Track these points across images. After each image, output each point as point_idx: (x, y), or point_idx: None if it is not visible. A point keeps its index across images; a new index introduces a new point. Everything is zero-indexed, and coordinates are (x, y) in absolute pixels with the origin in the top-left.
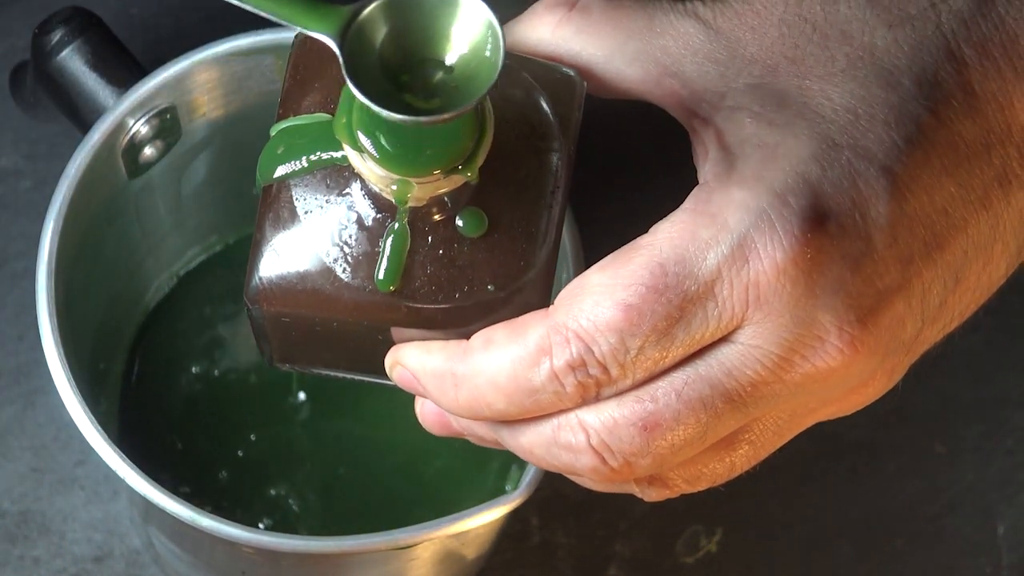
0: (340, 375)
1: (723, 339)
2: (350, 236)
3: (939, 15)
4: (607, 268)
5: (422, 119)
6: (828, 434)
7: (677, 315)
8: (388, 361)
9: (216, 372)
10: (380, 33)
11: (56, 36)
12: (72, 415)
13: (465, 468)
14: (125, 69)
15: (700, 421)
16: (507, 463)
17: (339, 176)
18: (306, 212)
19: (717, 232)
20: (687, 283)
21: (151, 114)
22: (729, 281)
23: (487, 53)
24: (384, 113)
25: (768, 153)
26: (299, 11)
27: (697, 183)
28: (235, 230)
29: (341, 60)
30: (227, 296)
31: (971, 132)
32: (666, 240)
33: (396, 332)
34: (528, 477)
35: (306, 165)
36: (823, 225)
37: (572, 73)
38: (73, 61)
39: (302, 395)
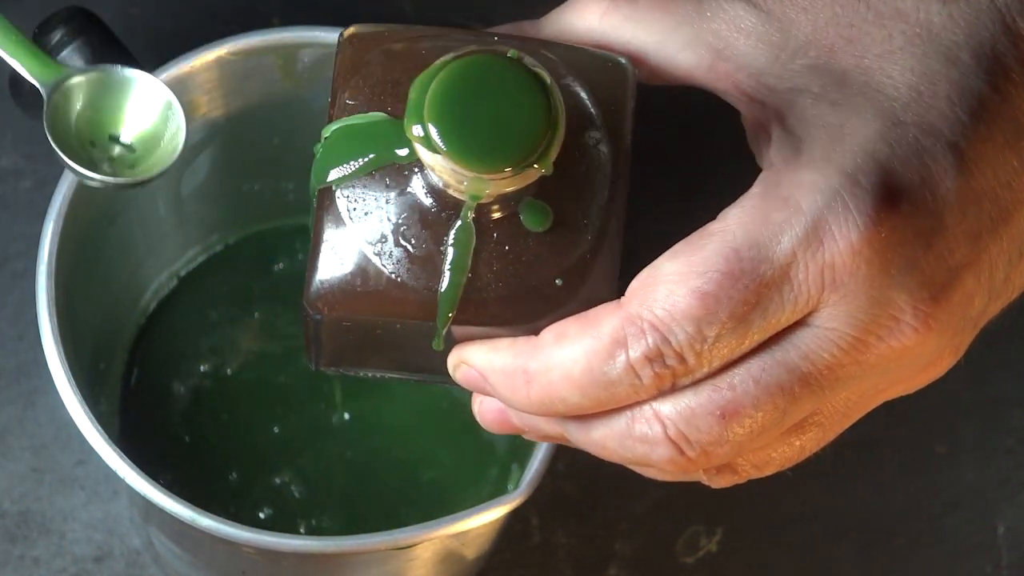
0: (391, 375)
1: (799, 323)
2: (413, 235)
3: None
4: (679, 256)
5: (96, 177)
6: None
7: (754, 300)
8: (452, 361)
9: (216, 372)
10: (78, 101)
11: (56, 36)
12: (72, 415)
13: (466, 468)
14: None
15: (778, 407)
16: (507, 463)
17: (398, 175)
18: (366, 213)
19: (790, 215)
20: (762, 267)
21: None
22: (804, 264)
23: (167, 130)
24: (70, 165)
25: (834, 133)
26: (25, 55)
27: (752, 172)
28: (235, 230)
29: (46, 108)
30: (227, 296)
31: None
32: (738, 225)
33: (459, 331)
34: (528, 477)
35: (364, 165)
36: (895, 204)
37: (623, 61)
38: (73, 61)
39: (302, 394)
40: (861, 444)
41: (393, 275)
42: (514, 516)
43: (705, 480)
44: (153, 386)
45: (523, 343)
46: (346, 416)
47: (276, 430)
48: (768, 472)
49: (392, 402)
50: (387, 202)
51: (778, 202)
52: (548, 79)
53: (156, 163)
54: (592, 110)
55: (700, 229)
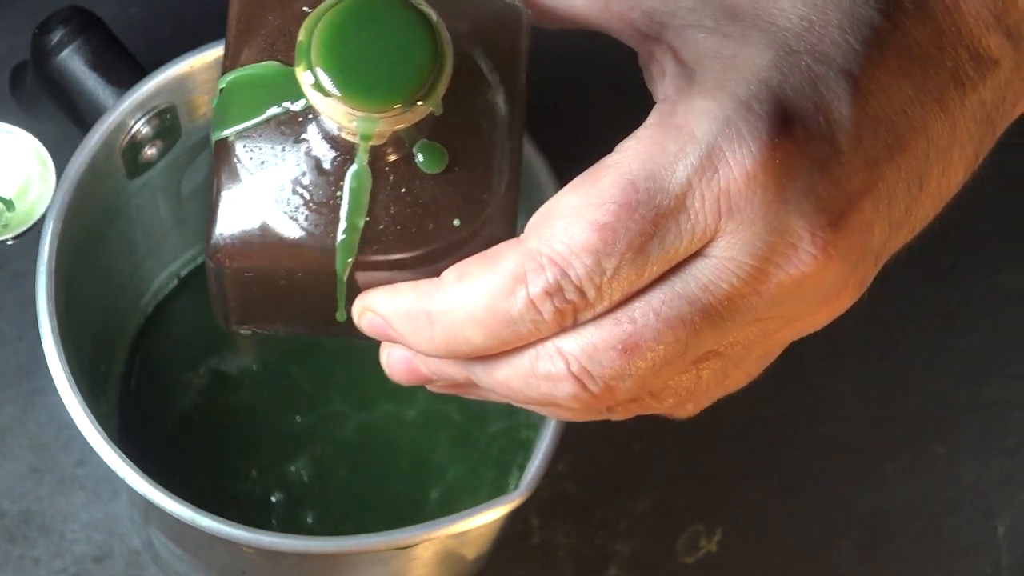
0: (303, 333)
1: (697, 254)
2: (309, 182)
3: None
4: (577, 189)
5: None
6: (828, 434)
7: (651, 231)
8: (356, 309)
9: (216, 372)
10: None
11: (56, 36)
12: (72, 415)
13: (465, 468)
14: (125, 69)
15: (679, 339)
16: (507, 464)
17: (293, 123)
18: (262, 163)
19: (684, 143)
20: (659, 197)
21: (151, 114)
22: (700, 192)
23: (38, 180)
24: None
25: (727, 63)
26: None
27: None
28: None
29: None
30: None
31: (923, 35)
32: (634, 156)
33: (362, 277)
34: (528, 477)
35: (262, 115)
36: (789, 129)
37: (516, 3)
38: (73, 61)
39: (302, 395)
40: (861, 444)
41: (292, 223)
42: (514, 516)
43: (607, 415)
44: (153, 386)
45: (425, 285)
46: (347, 417)
47: (276, 431)
48: (666, 403)
49: (394, 402)
50: (283, 150)
51: (672, 131)
52: (434, 16)
53: (29, 214)
54: (485, 51)
55: (598, 162)
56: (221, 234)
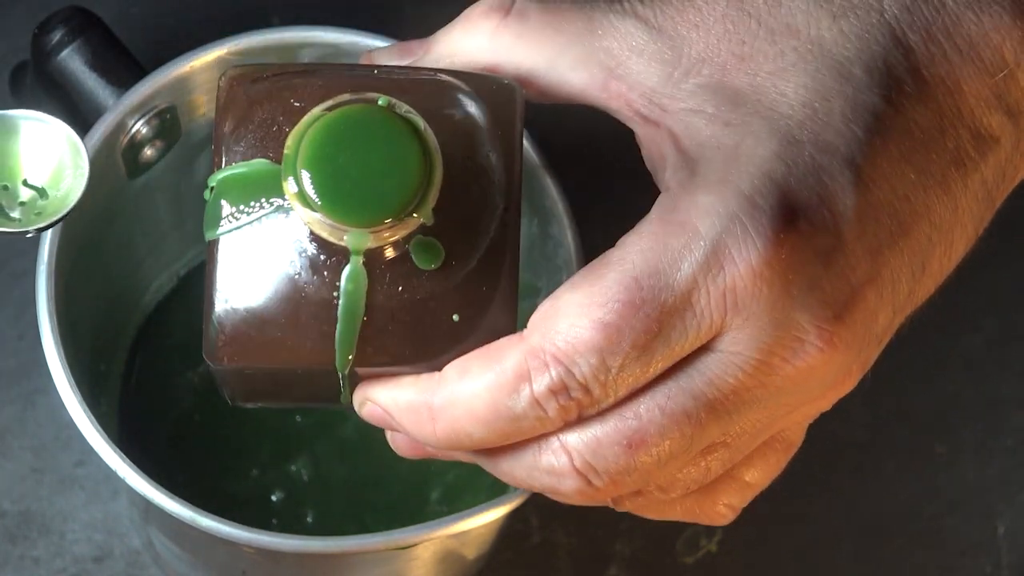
0: (308, 407)
1: (703, 348)
2: (305, 283)
3: (881, 2)
4: (580, 287)
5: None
6: (828, 434)
7: (656, 329)
8: (357, 399)
9: None
10: None
11: (56, 36)
12: (72, 415)
13: (465, 468)
14: (125, 69)
15: (685, 434)
16: None
17: (287, 222)
18: (256, 263)
19: (688, 240)
20: (663, 295)
21: (151, 114)
22: (706, 289)
23: (71, 167)
24: None
25: (729, 154)
26: None
27: (644, 188)
28: None
29: None
30: None
31: (924, 117)
32: (637, 253)
33: (363, 372)
34: None
35: (254, 215)
36: (794, 223)
37: (510, 83)
38: (73, 61)
39: None
40: (860, 445)
41: (289, 323)
42: (514, 516)
43: (612, 505)
44: (153, 386)
45: (427, 379)
46: (347, 417)
47: (276, 430)
48: (675, 494)
49: None
50: (278, 250)
51: (675, 227)
52: (422, 125)
53: (63, 202)
54: (481, 138)
55: (599, 257)
56: (218, 335)
